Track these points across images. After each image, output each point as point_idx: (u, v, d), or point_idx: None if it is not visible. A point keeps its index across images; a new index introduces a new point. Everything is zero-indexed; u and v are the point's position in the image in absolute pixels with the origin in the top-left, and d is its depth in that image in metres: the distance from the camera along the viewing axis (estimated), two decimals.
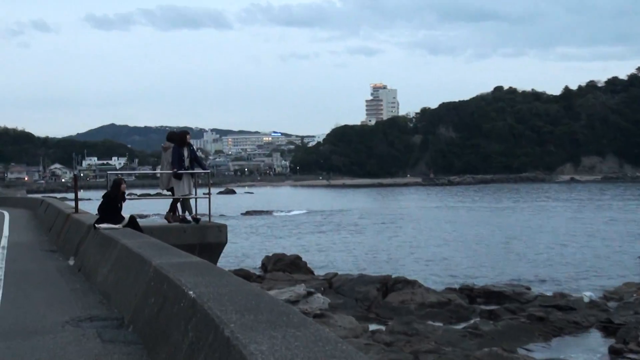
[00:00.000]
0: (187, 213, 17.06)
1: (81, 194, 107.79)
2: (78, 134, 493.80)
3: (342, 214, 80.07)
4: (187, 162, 16.87)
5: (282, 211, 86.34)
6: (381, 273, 30.30)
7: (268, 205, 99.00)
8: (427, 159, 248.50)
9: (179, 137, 17.09)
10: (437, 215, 76.91)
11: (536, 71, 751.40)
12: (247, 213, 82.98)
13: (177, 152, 16.78)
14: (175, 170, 16.66)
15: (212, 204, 17.13)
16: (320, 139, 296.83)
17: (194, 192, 17.26)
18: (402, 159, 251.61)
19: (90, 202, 70.45)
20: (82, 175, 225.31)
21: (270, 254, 36.23)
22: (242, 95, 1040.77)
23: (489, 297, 26.23)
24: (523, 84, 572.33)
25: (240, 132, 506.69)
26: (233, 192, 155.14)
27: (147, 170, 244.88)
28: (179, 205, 17.31)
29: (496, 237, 51.93)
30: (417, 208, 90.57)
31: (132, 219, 13.89)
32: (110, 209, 13.65)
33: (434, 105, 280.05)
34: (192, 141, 17.71)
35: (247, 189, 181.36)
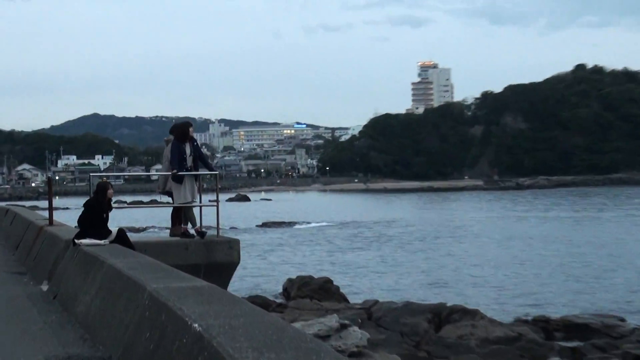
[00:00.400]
0: (189, 225, 17.05)
1: (57, 201, 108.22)
2: (52, 126, 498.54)
3: (383, 226, 79.96)
4: (189, 161, 16.83)
5: (308, 222, 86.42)
6: (433, 300, 30.19)
7: (290, 215, 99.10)
8: (490, 156, 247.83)
9: (179, 130, 17.08)
10: (503, 227, 76.54)
11: (629, 45, 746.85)
12: (265, 225, 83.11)
13: (177, 149, 16.75)
14: (174, 171, 16.66)
15: (220, 214, 17.12)
16: (356, 132, 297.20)
17: (198, 199, 17.27)
18: (458, 156, 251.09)
19: (69, 212, 70.91)
20: (57, 178, 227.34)
21: (294, 277, 36.25)
22: (257, 78, 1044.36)
23: (570, 331, 26.04)
24: (612, 62, 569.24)
25: (255, 123, 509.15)
26: (246, 198, 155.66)
27: (139, 171, 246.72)
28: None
29: (578, 255, 51.56)
30: (477, 218, 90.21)
31: (121, 232, 13.91)
32: (93, 221, 13.68)
33: (498, 88, 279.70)
34: (195, 135, 17.72)
35: (264, 195, 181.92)
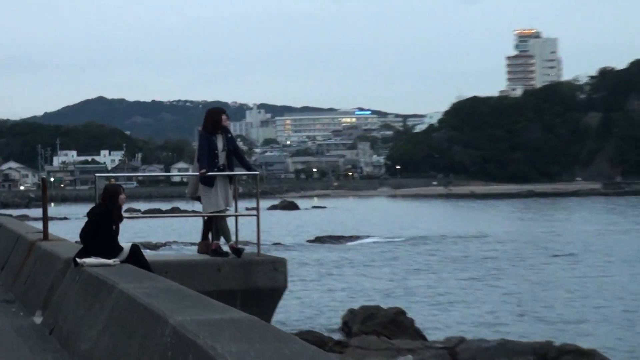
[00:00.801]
0: (222, 240, 17.05)
1: (52, 209, 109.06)
2: (46, 113, 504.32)
3: (469, 243, 79.80)
4: (222, 158, 16.85)
5: (372, 237, 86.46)
6: (536, 338, 30.06)
7: (351, 227, 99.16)
8: (610, 151, 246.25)
9: (209, 119, 17.07)
10: (629, 244, 75.97)
11: None
12: (318, 240, 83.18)
13: (205, 143, 16.76)
14: (203, 170, 16.69)
15: (262, 226, 17.15)
16: (435, 121, 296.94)
17: (232, 207, 17.27)
18: (567, 151, 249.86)
19: (68, 223, 71.53)
20: (53, 179, 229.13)
21: (356, 307, 36.28)
22: (307, 52, 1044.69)
23: None
24: None
25: (305, 109, 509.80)
26: (294, 206, 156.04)
27: (156, 170, 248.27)
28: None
29: None
30: (593, 232, 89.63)
31: (135, 249, 13.98)
32: (100, 234, 13.76)
33: (620, 64, 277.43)
34: (229, 124, 17.71)
35: (316, 202, 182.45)
